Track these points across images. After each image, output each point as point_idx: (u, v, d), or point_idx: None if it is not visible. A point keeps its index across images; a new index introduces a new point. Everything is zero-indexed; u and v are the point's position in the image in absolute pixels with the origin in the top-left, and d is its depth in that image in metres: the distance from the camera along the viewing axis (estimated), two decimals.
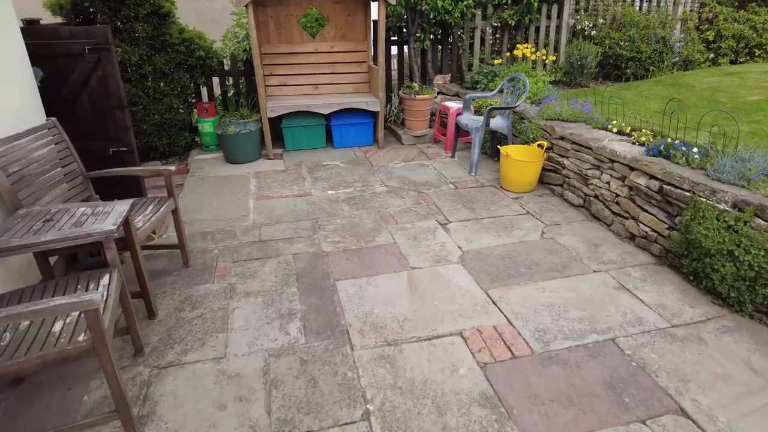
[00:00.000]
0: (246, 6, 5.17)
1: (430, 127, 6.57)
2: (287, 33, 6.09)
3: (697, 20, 7.65)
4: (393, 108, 6.83)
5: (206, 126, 6.01)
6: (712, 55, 7.48)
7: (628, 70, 6.84)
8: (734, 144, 3.70)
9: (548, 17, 6.95)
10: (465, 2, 6.19)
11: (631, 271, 3.42)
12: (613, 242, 3.84)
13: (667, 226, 3.54)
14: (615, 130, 4.56)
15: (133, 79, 5.44)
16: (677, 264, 3.46)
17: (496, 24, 6.75)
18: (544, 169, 4.86)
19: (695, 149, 3.61)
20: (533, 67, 6.68)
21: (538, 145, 4.85)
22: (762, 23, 7.41)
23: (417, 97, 5.99)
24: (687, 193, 3.33)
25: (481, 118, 5.35)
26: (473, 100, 5.72)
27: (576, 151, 4.44)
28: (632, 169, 3.83)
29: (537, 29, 6.99)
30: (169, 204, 3.27)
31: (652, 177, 3.64)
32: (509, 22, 6.60)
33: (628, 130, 4.56)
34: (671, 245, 3.46)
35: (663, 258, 3.60)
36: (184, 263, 3.53)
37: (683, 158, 3.61)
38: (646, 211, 3.73)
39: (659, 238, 3.61)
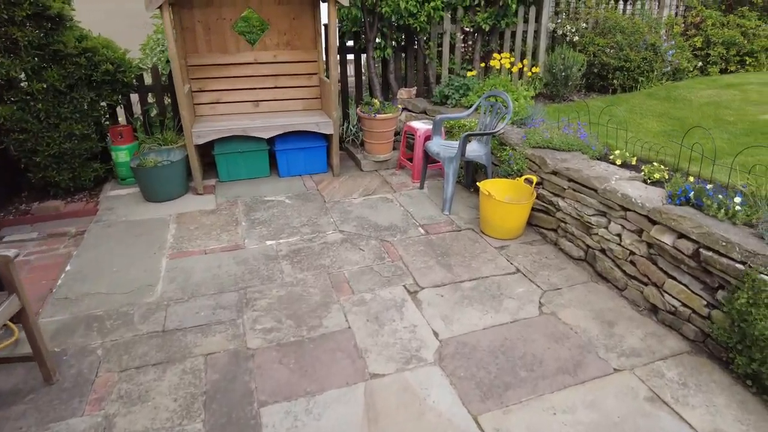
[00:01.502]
0: (160, 8, 4.09)
1: (394, 149, 5.63)
2: (220, 40, 5.02)
3: (683, 25, 6.96)
4: (351, 126, 5.85)
5: (121, 155, 4.89)
6: (700, 64, 6.81)
7: (615, 81, 6.07)
8: None
9: (525, 21, 6.11)
10: (432, 4, 5.26)
11: (663, 368, 2.55)
12: (631, 317, 2.98)
13: (705, 302, 2.69)
14: (619, 161, 3.72)
15: (16, 99, 4.27)
16: (722, 356, 2.61)
17: (467, 29, 5.87)
18: (533, 209, 3.98)
19: (736, 199, 2.78)
20: (511, 80, 5.81)
21: (526, 180, 3.97)
22: (753, 29, 6.78)
23: (378, 116, 5.03)
24: (738, 266, 2.48)
25: (455, 146, 4.43)
26: (444, 121, 4.80)
27: (575, 191, 3.57)
28: (653, 222, 2.98)
29: (513, 34, 6.14)
30: (10, 304, 2.20)
31: (683, 236, 2.79)
32: (483, 27, 5.72)
33: (634, 162, 3.73)
34: (713, 330, 2.61)
35: (700, 344, 2.75)
36: (46, 379, 2.46)
37: (721, 211, 2.77)
38: (674, 278, 2.87)
39: (694, 317, 2.76)
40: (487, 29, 5.74)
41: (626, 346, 2.71)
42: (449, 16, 5.71)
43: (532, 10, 6.05)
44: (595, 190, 3.36)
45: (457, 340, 2.73)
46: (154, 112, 5.31)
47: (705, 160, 3.39)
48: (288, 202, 4.54)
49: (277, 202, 4.54)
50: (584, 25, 6.27)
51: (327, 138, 5.16)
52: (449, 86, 5.57)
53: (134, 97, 5.39)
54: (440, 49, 5.93)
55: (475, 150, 4.37)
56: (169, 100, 5.32)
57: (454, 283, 3.27)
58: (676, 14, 7.08)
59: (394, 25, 5.50)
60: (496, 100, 4.46)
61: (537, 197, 3.95)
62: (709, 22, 6.81)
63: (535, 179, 3.86)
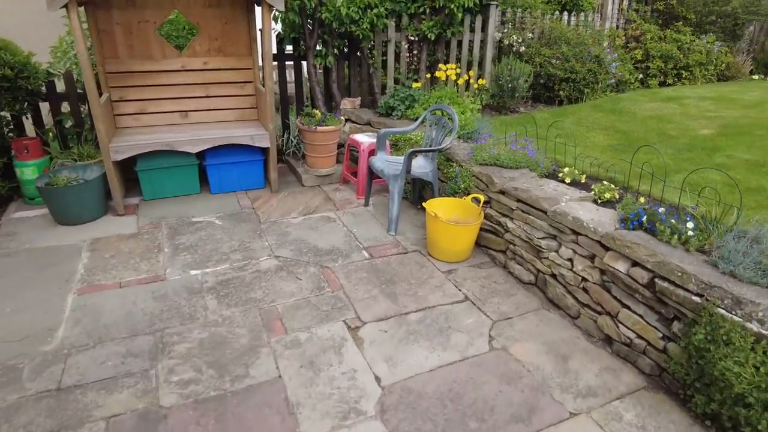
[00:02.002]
0: (66, 7, 3.61)
1: (338, 162, 5.33)
2: (143, 45, 4.56)
3: (624, 37, 7.06)
4: (292, 138, 5.50)
5: (27, 171, 4.34)
6: (640, 76, 6.92)
7: (561, 93, 6.03)
8: (723, 207, 2.81)
9: (472, 30, 5.97)
10: (375, 11, 5.01)
11: (621, 409, 2.37)
12: (585, 349, 2.80)
13: (661, 335, 2.55)
14: (568, 180, 3.59)
15: None
16: (680, 393, 2.47)
17: (413, 38, 5.65)
18: (481, 229, 3.78)
19: (689, 224, 2.66)
20: (458, 91, 5.63)
21: (473, 200, 3.77)
22: (687, 44, 6.95)
23: (319, 128, 4.71)
24: (695, 298, 2.34)
25: (401, 162, 4.18)
26: (389, 135, 4.54)
27: (524, 212, 3.39)
28: (606, 248, 2.82)
29: (459, 44, 5.98)
30: None
31: (638, 264, 2.64)
32: (428, 36, 5.52)
33: (583, 180, 3.61)
34: (670, 365, 2.47)
35: (657, 378, 2.60)
36: None
37: (674, 236, 2.65)
38: (629, 308, 2.72)
39: (650, 350, 2.62)
40: (432, 38, 5.54)
41: (582, 385, 2.52)
42: (393, 23, 5.48)
43: (479, 20, 5.92)
44: (545, 212, 3.19)
45: (402, 386, 2.45)
46: (69, 124, 4.76)
47: (654, 179, 3.29)
48: (218, 224, 4.14)
49: (206, 224, 4.13)
50: (530, 35, 6.20)
51: (263, 151, 4.79)
52: (394, 97, 5.33)
53: (44, 107, 4.82)
54: (385, 58, 5.69)
55: (422, 166, 4.14)
56: (87, 111, 4.79)
57: (399, 316, 3.00)
58: (618, 27, 7.17)
59: (336, 32, 5.20)
60: (442, 114, 4.25)
61: (485, 217, 3.76)
62: (648, 35, 6.93)
63: (482, 198, 3.67)
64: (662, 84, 7.01)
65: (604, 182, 3.45)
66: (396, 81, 5.82)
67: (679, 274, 2.41)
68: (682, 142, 4.53)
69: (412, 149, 3.81)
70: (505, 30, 6.19)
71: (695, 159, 4.10)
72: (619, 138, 4.72)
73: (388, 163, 4.16)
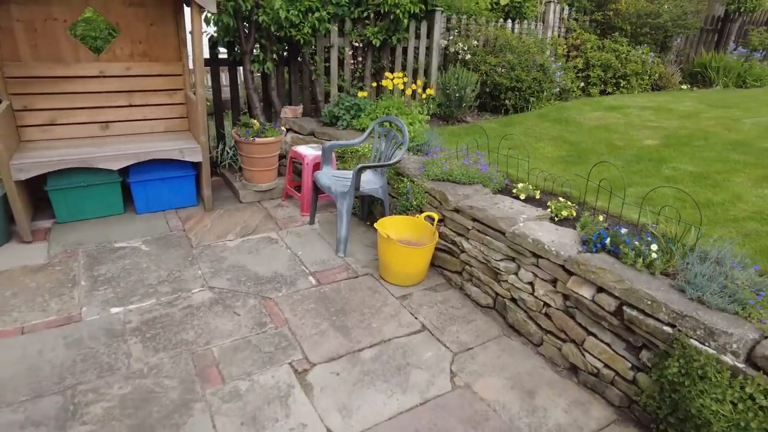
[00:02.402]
0: None
1: (280, 174, 4.97)
2: (51, 46, 4.01)
3: (565, 46, 7.14)
4: (228, 149, 5.09)
5: None
6: (582, 84, 7.01)
7: (507, 101, 5.97)
8: (683, 226, 2.75)
9: (417, 37, 5.79)
10: (317, 14, 4.70)
11: None
12: (551, 381, 2.64)
13: (630, 365, 2.42)
14: (523, 196, 3.45)
15: None
16: (651, 426, 2.34)
17: (357, 44, 5.39)
18: (436, 248, 3.57)
19: (653, 246, 2.55)
20: (405, 101, 5.42)
21: (427, 218, 3.55)
22: (625, 54, 7.12)
23: (257, 140, 4.34)
24: (666, 328, 2.22)
25: (349, 177, 3.90)
26: (335, 148, 4.25)
27: (480, 232, 3.20)
28: (569, 272, 2.67)
29: (405, 51, 5.78)
30: None
31: (604, 290, 2.51)
32: (373, 42, 5.28)
33: (538, 195, 3.48)
34: (641, 398, 2.34)
35: (626, 410, 2.47)
36: None
37: (639, 260, 2.53)
38: (595, 335, 2.59)
39: (618, 380, 2.48)
40: (377, 45, 5.30)
41: (552, 423, 2.34)
42: (336, 28, 5.19)
43: (424, 26, 5.75)
44: (503, 233, 3.01)
45: None
46: None
47: (606, 192, 3.20)
48: (144, 250, 3.69)
49: (131, 250, 3.67)
50: (475, 42, 6.10)
51: (195, 166, 4.36)
52: (339, 106, 5.04)
53: None
54: (328, 64, 5.39)
55: (371, 182, 3.88)
56: None
57: (352, 354, 2.72)
58: (559, 35, 7.24)
59: (275, 36, 4.85)
60: (391, 126, 4.01)
61: (439, 236, 3.55)
62: (588, 45, 7.04)
63: (436, 217, 3.45)
64: (603, 93, 7.14)
65: (560, 198, 3.33)
66: (340, 89, 5.53)
67: (649, 302, 2.29)
68: (629, 153, 4.54)
69: (361, 165, 3.54)
70: (451, 37, 6.06)
71: (644, 171, 4.09)
72: (568, 149, 4.67)
73: (335, 178, 3.87)
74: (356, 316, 3.04)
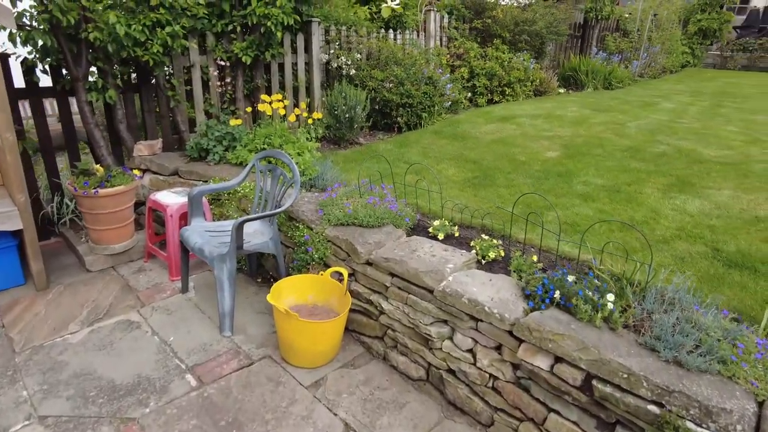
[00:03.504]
0: None
1: (140, 225, 3.99)
2: None
3: (448, 56, 6.90)
4: (67, 200, 3.99)
5: None
6: (469, 95, 6.82)
7: (399, 119, 5.51)
8: (625, 258, 2.41)
9: (294, 51, 5.11)
10: (168, 29, 3.82)
11: None
12: None
13: None
14: (441, 235, 2.95)
15: None
16: None
17: (223, 62, 4.56)
18: (349, 309, 2.91)
19: (609, 296, 2.14)
20: (289, 126, 4.69)
21: (335, 275, 2.90)
22: (508, 61, 7.08)
23: (102, 192, 3.36)
24: (652, 407, 1.79)
25: (227, 232, 3.11)
26: (206, 194, 3.41)
27: (401, 289, 2.62)
28: (519, 340, 2.18)
29: (281, 67, 5.07)
30: None
31: (563, 361, 2.04)
32: (243, 59, 4.49)
33: (457, 233, 3.01)
34: None
35: None
36: None
37: (597, 314, 2.11)
38: (557, 412, 2.11)
39: None
40: (248, 62, 4.52)
41: None
42: (196, 45, 4.33)
43: (301, 39, 5.08)
44: (430, 291, 2.46)
45: None
46: None
47: (530, 219, 2.79)
48: None
49: None
50: (359, 56, 5.57)
51: (16, 234, 3.26)
52: (208, 136, 4.19)
53: None
54: (190, 87, 4.49)
55: (258, 234, 3.12)
56: None
57: None
58: (442, 44, 7.00)
59: (116, 57, 3.86)
60: (278, 165, 3.29)
61: (351, 294, 2.90)
62: (471, 53, 6.87)
63: (345, 273, 2.81)
64: (490, 102, 7.02)
65: (483, 236, 2.88)
66: (209, 115, 4.66)
67: (625, 375, 1.85)
68: (534, 168, 4.28)
69: (241, 219, 2.77)
70: (332, 51, 5.47)
71: (556, 189, 3.82)
72: (472, 169, 4.29)
73: (209, 235, 3.05)
74: (256, 427, 2.28)
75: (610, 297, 2.14)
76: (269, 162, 3.58)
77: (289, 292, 2.89)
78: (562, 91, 8.17)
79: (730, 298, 2.43)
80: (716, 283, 2.56)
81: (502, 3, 7.53)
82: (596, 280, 2.32)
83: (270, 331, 2.97)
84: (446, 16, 7.03)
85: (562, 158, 4.50)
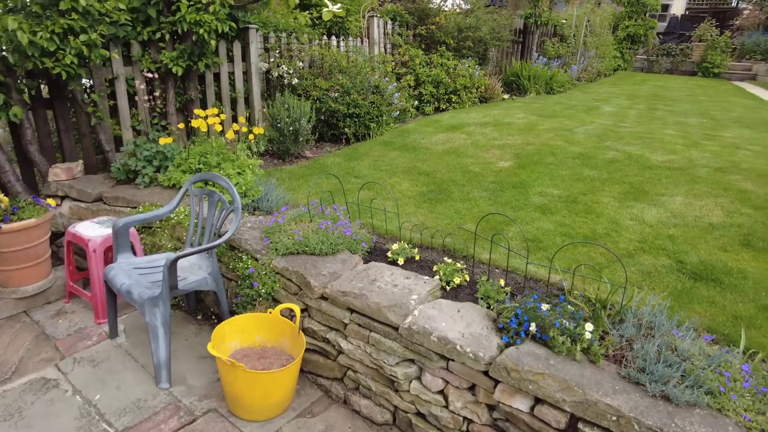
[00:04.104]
0: None
1: (59, 259, 3.51)
2: None
3: (393, 63, 6.73)
4: None
5: None
6: (416, 103, 6.67)
7: (347, 130, 5.26)
8: (597, 279, 2.29)
9: (231, 60, 4.75)
10: (83, 37, 3.38)
11: None
12: None
13: None
14: (401, 260, 2.74)
15: None
16: None
17: (151, 74, 4.14)
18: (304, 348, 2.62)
19: (588, 325, 1.99)
20: (227, 142, 4.32)
21: (285, 312, 2.60)
22: (453, 68, 6.99)
23: (5, 227, 2.89)
24: None
25: (159, 270, 2.74)
26: (133, 226, 3.02)
27: (362, 326, 2.37)
28: (495, 380, 1.98)
29: (217, 77, 4.70)
30: None
31: (545, 402, 1.86)
32: (174, 70, 4.10)
33: (417, 256, 2.81)
34: None
35: None
36: None
37: (576, 347, 1.95)
38: None
39: None
40: (180, 73, 4.13)
41: None
42: (119, 55, 3.90)
43: (237, 47, 4.73)
44: (395, 328, 2.22)
45: None
46: None
47: (489, 236, 2.62)
48: None
49: None
50: (301, 64, 5.28)
51: None
52: (136, 156, 3.77)
53: None
54: (114, 102, 4.05)
55: (195, 269, 2.78)
56: None
57: None
58: (386, 51, 6.81)
59: (20, 69, 3.38)
60: (216, 189, 2.95)
61: (305, 332, 2.62)
62: (416, 60, 6.73)
63: (297, 310, 2.52)
64: (437, 110, 6.91)
65: (447, 259, 2.68)
66: (137, 132, 4.22)
67: (614, 417, 1.69)
68: (489, 179, 4.14)
69: (174, 256, 2.42)
70: (272, 59, 5.15)
71: (514, 201, 3.70)
72: (426, 182, 4.11)
73: (138, 274, 2.68)
74: None
75: (589, 327, 1.99)
76: (206, 185, 3.23)
77: (233, 335, 2.57)
78: (506, 96, 8.20)
79: (702, 316, 2.35)
80: (686, 299, 2.48)
81: (445, 9, 7.45)
82: (570, 306, 2.17)
83: (214, 379, 2.63)
84: (390, 22, 6.86)
85: (516, 168, 4.41)
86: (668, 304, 2.22)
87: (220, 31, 4.08)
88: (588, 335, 1.98)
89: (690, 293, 2.53)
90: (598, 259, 2.83)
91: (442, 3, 7.47)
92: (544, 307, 2.09)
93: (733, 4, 18.76)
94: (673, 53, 15.38)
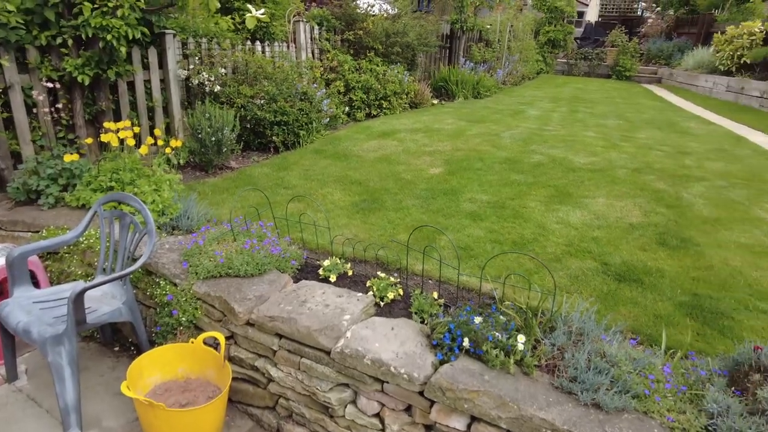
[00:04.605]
0: None
1: None
2: None
3: (321, 68, 6.61)
4: None
5: None
6: (347, 109, 6.59)
7: (275, 138, 5.09)
8: (526, 288, 2.31)
9: (146, 67, 4.45)
10: None
11: None
12: None
13: None
14: (333, 277, 2.66)
15: None
16: None
17: (52, 83, 3.78)
18: (232, 378, 2.45)
19: (520, 337, 1.98)
20: (143, 156, 4.03)
21: (210, 341, 2.43)
22: (383, 74, 6.97)
23: None
24: None
25: (63, 304, 2.47)
26: (31, 254, 2.71)
27: (292, 353, 2.24)
28: (431, 400, 1.93)
29: (132, 86, 4.38)
30: None
31: (481, 420, 1.83)
32: (80, 79, 3.77)
33: (350, 271, 2.72)
34: None
35: None
36: None
37: (509, 359, 1.94)
38: None
39: None
40: (87, 82, 3.81)
41: None
42: (11, 62, 3.53)
43: (153, 53, 4.44)
44: (327, 353, 2.12)
45: None
46: None
47: (419, 246, 2.59)
48: None
49: None
50: (223, 71, 5.04)
51: None
52: (39, 175, 3.43)
53: None
54: (10, 114, 3.66)
55: (107, 299, 2.53)
56: None
57: None
58: (314, 57, 6.68)
59: None
60: (128, 211, 2.71)
61: (232, 360, 2.46)
62: (345, 66, 6.65)
63: (222, 338, 2.35)
64: (368, 116, 6.86)
65: (380, 274, 2.62)
66: (41, 147, 3.84)
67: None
68: (421, 187, 4.13)
69: (79, 288, 2.18)
70: (191, 66, 4.88)
71: (445, 208, 3.70)
72: (359, 192, 4.03)
73: (39, 309, 2.40)
74: None
75: (521, 338, 1.99)
76: (119, 205, 2.97)
77: (153, 369, 2.36)
78: (435, 102, 8.30)
79: (627, 317, 2.42)
80: (612, 301, 2.55)
81: (373, 14, 7.42)
82: (501, 316, 2.17)
83: (133, 418, 2.41)
84: (317, 27, 6.73)
85: (446, 174, 4.43)
86: (596, 308, 2.27)
87: (131, 37, 3.79)
88: (521, 347, 1.97)
89: (615, 295, 2.61)
90: (528, 265, 2.87)
91: (369, 8, 7.43)
92: (477, 320, 2.06)
93: (638, 13, 20.19)
94: (590, 57, 16.30)
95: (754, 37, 10.02)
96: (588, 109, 8.42)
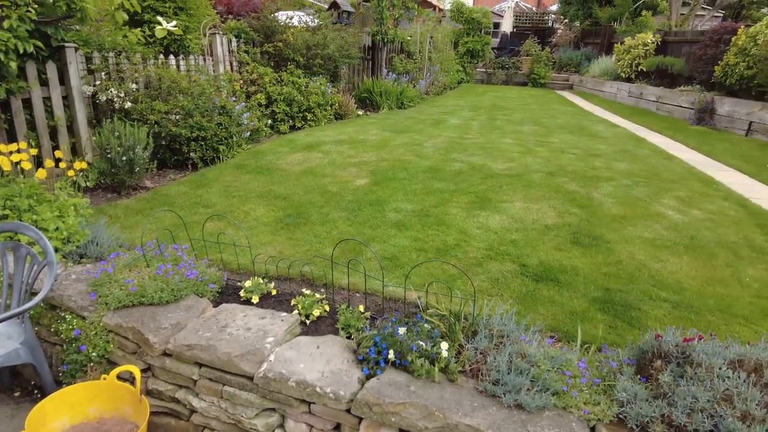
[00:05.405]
0: None
1: None
2: None
3: (241, 81, 6.45)
4: None
5: None
6: (270, 122, 6.47)
7: (192, 154, 4.89)
8: (452, 295, 2.35)
9: (44, 82, 4.13)
10: None
11: None
12: None
13: None
14: (256, 298, 2.59)
15: None
16: None
17: None
18: (152, 411, 2.30)
19: (443, 344, 2.01)
20: (44, 179, 3.71)
21: (125, 376, 2.26)
22: (305, 86, 6.92)
23: None
24: None
25: None
26: None
27: (214, 381, 2.14)
28: (358, 418, 1.90)
29: (28, 103, 4.05)
30: None
31: None
32: None
33: (274, 291, 2.66)
34: None
35: None
36: None
37: (434, 368, 1.96)
38: None
39: None
40: None
41: None
42: None
43: (52, 68, 4.13)
44: (250, 378, 2.04)
45: None
46: None
47: (348, 269, 2.58)
48: None
49: None
50: (134, 86, 4.79)
51: None
52: None
53: None
54: None
55: (2, 341, 2.29)
56: None
57: None
58: (233, 70, 6.51)
59: None
60: (25, 242, 2.49)
61: (150, 393, 2.30)
62: (266, 78, 6.53)
63: (137, 372, 2.20)
64: (293, 128, 6.77)
65: (305, 291, 2.57)
66: None
67: None
68: (347, 199, 4.12)
69: None
70: (98, 82, 4.59)
71: (372, 220, 3.70)
72: (283, 207, 3.95)
73: None
74: None
75: (444, 345, 2.01)
76: (12, 237, 2.72)
77: (59, 412, 2.17)
78: (360, 113, 8.35)
79: (545, 316, 2.53)
80: (530, 302, 2.65)
81: (292, 26, 7.36)
82: (426, 325, 2.19)
83: None
84: (234, 39, 6.57)
85: (372, 185, 4.45)
86: (516, 309, 2.35)
87: (21, 51, 3.51)
88: (445, 354, 2.00)
89: (534, 295, 2.72)
90: (452, 272, 2.93)
91: (288, 20, 7.37)
92: (401, 330, 2.07)
93: (549, 24, 21.49)
94: (507, 66, 17.11)
95: (647, 48, 10.96)
96: (506, 117, 8.81)
